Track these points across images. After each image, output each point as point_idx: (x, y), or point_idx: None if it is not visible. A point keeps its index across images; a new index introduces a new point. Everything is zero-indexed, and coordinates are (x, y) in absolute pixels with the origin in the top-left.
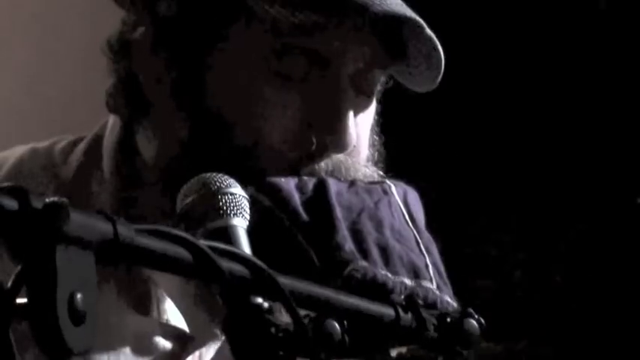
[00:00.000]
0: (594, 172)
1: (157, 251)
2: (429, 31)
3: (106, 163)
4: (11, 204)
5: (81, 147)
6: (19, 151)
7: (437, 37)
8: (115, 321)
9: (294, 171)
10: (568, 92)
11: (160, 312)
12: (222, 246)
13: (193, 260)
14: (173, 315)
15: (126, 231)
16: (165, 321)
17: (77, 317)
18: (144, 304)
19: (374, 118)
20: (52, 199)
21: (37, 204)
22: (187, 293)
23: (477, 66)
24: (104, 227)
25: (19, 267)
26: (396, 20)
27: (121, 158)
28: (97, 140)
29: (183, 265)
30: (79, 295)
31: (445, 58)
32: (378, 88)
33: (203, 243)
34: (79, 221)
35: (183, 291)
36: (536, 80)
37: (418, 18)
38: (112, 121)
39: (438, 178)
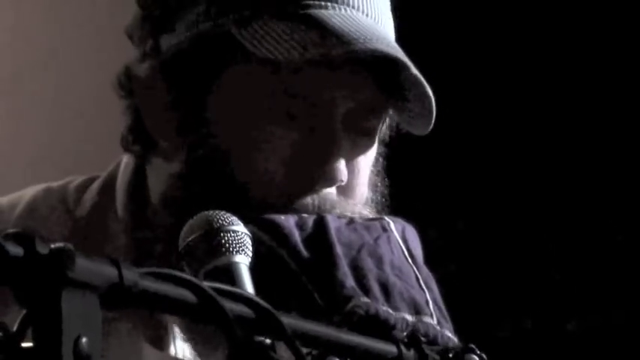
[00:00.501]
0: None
1: (162, 294)
2: (414, 70)
3: (120, 202)
4: (17, 250)
5: (95, 186)
6: (32, 190)
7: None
8: (133, 357)
9: (287, 205)
10: (573, 117)
11: (176, 348)
12: (225, 287)
13: (197, 302)
14: (187, 352)
15: (131, 275)
16: (181, 357)
17: None
18: (161, 339)
19: (379, 161)
20: (57, 244)
21: (43, 250)
22: (193, 332)
23: (478, 93)
24: (109, 271)
25: (24, 311)
26: (387, 61)
27: (132, 197)
28: (111, 179)
29: (187, 308)
30: (84, 339)
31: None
32: (383, 130)
33: (207, 285)
34: (84, 266)
35: (191, 331)
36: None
37: (404, 57)
38: (126, 160)
39: (440, 216)
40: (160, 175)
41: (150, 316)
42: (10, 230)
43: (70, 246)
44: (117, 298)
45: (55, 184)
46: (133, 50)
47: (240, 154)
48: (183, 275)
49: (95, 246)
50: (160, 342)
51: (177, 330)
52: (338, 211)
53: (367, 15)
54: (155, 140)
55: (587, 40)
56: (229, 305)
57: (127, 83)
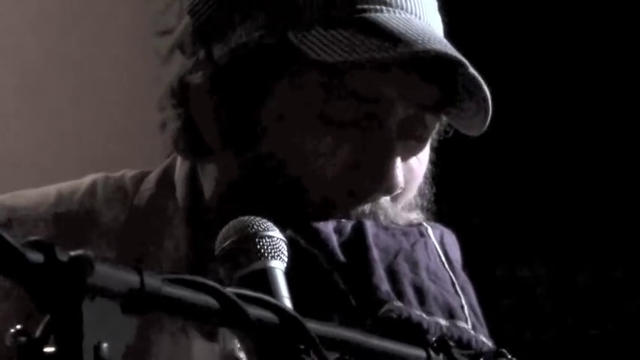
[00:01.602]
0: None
1: (185, 300)
2: (472, 69)
3: (180, 193)
4: (37, 257)
5: (152, 178)
6: (92, 177)
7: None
8: (183, 349)
9: (339, 212)
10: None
11: (225, 342)
12: (250, 293)
13: (221, 308)
14: (236, 346)
15: (153, 281)
16: (230, 350)
17: None
18: (211, 331)
19: (427, 167)
20: (77, 252)
21: (63, 257)
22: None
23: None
24: (130, 278)
25: (46, 317)
26: (439, 59)
27: (189, 193)
28: (169, 172)
29: (211, 314)
30: (105, 345)
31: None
32: (433, 135)
33: (230, 291)
34: (104, 273)
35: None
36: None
37: (461, 57)
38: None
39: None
40: (210, 174)
41: None
42: (31, 238)
43: (89, 253)
44: (138, 305)
45: (112, 174)
46: (151, 62)
47: (296, 164)
48: (206, 281)
49: (153, 234)
50: (210, 334)
51: None
52: (390, 218)
53: (420, 18)
54: (208, 147)
55: (594, 43)
56: (253, 311)
57: (180, 92)
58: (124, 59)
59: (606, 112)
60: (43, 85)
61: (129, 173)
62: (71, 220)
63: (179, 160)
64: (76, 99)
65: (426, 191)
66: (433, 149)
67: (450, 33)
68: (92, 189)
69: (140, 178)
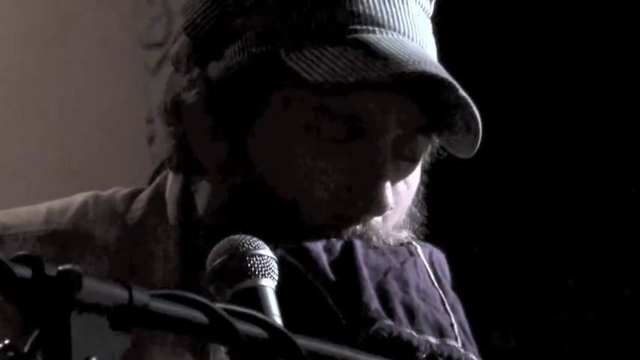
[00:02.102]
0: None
1: (173, 315)
2: (462, 92)
3: (171, 212)
4: (25, 272)
5: (143, 196)
6: (82, 196)
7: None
8: None
9: (330, 233)
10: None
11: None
12: (239, 309)
13: (210, 324)
14: None
15: (141, 296)
16: None
17: None
18: (202, 351)
19: (419, 189)
20: (65, 266)
21: (51, 272)
22: None
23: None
24: (119, 293)
25: (35, 332)
26: (430, 81)
27: (181, 210)
28: (159, 190)
29: (200, 329)
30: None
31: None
32: (425, 157)
33: (219, 306)
34: (92, 288)
35: None
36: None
37: (452, 79)
38: (173, 173)
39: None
40: (203, 191)
41: None
42: (20, 253)
43: (77, 268)
44: (127, 320)
45: (102, 192)
46: (144, 71)
47: (288, 186)
48: (195, 297)
49: (145, 252)
50: (200, 352)
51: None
52: (381, 239)
53: (412, 39)
54: (202, 165)
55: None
56: (243, 327)
57: (174, 110)
58: (112, 72)
59: (605, 143)
60: (32, 97)
61: (120, 192)
62: (62, 239)
63: (170, 178)
64: (65, 112)
65: (417, 213)
66: (425, 171)
67: (444, 42)
68: (83, 208)
69: (131, 197)
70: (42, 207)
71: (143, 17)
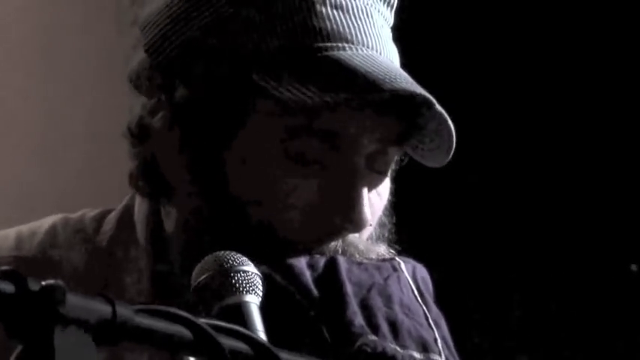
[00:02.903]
0: (586, 240)
1: (157, 331)
2: (439, 107)
3: (140, 232)
4: (8, 287)
5: (112, 216)
6: (51, 219)
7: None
8: None
9: (307, 250)
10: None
11: None
12: (222, 324)
13: (194, 339)
14: None
15: (125, 311)
16: None
17: None
18: None
19: (387, 199)
20: (48, 282)
21: (34, 287)
22: None
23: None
24: (102, 308)
25: (19, 347)
26: (406, 98)
27: (151, 231)
28: (128, 210)
29: (183, 344)
30: None
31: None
32: (392, 166)
33: (203, 321)
34: (76, 303)
35: None
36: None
37: (428, 95)
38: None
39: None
40: (172, 212)
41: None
42: (2, 268)
43: (60, 283)
44: (110, 335)
45: (71, 215)
46: (123, 83)
47: (264, 205)
48: (179, 312)
49: (117, 275)
50: None
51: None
52: (364, 255)
53: (381, 53)
54: (169, 186)
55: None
56: (226, 342)
57: (139, 133)
58: (95, 90)
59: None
60: (14, 116)
61: (89, 214)
62: (31, 264)
63: (138, 199)
64: (48, 129)
65: (387, 222)
66: (392, 180)
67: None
68: (52, 231)
69: (100, 219)
70: (11, 232)
71: (126, 36)
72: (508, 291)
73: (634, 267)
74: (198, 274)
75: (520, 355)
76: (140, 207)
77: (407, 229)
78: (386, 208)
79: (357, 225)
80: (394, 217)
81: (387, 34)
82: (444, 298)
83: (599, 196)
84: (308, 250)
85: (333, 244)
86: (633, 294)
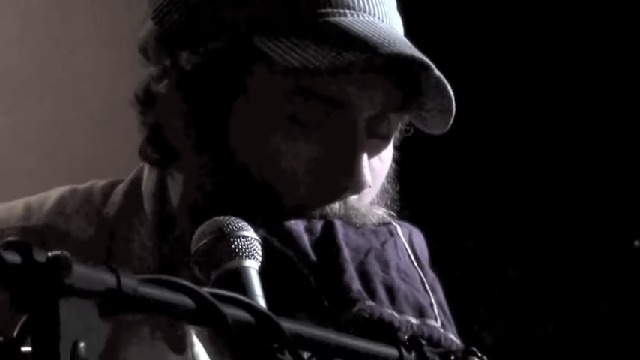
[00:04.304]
0: (590, 216)
1: (161, 300)
2: (437, 71)
3: (147, 204)
4: (14, 258)
5: (120, 189)
6: (59, 190)
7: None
8: (153, 357)
9: (310, 212)
10: (565, 135)
11: (193, 354)
12: (224, 292)
13: (196, 307)
14: (204, 357)
15: (129, 281)
16: None
17: None
18: (179, 345)
19: (391, 166)
20: (54, 252)
21: (40, 258)
22: (212, 342)
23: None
24: (107, 278)
25: (24, 317)
26: (404, 61)
27: (157, 202)
28: (136, 183)
29: (186, 313)
30: (82, 344)
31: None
32: (396, 134)
33: (205, 290)
34: (81, 273)
35: (209, 340)
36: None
37: (426, 59)
38: (149, 166)
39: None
40: (178, 182)
41: (169, 322)
42: (9, 239)
43: (66, 254)
44: (115, 305)
45: (80, 186)
46: (135, 60)
47: (266, 167)
48: (182, 281)
49: (123, 246)
50: (178, 348)
51: (193, 337)
52: (362, 219)
53: (382, 20)
54: (176, 153)
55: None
56: (228, 310)
57: (146, 100)
58: (106, 63)
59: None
60: (26, 90)
61: (97, 185)
62: (39, 234)
63: (146, 171)
64: (59, 103)
65: (389, 189)
66: (396, 148)
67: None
68: (60, 202)
69: (108, 190)
70: (19, 203)
71: (136, 10)
72: (506, 260)
73: (637, 243)
74: (198, 239)
75: (516, 321)
76: (148, 179)
77: (405, 194)
78: (389, 176)
79: (358, 185)
80: (398, 186)
81: (391, 3)
82: (440, 262)
83: (603, 173)
84: (310, 212)
85: (335, 206)
86: (636, 269)
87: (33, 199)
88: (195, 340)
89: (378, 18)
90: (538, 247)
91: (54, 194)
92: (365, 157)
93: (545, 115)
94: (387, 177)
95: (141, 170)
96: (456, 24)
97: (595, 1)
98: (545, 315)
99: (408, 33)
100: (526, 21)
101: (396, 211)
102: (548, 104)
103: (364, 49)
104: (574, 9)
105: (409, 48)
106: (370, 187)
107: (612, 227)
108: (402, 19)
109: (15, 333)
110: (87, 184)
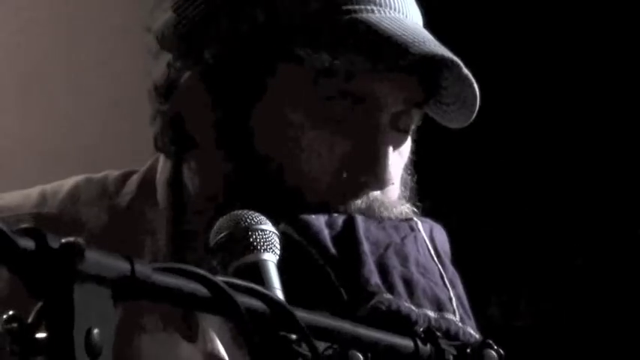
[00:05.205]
0: (594, 204)
1: (175, 288)
2: (465, 69)
3: (161, 195)
4: (29, 244)
5: (134, 179)
6: (74, 179)
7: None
8: (170, 351)
9: (333, 208)
10: (567, 128)
11: (205, 342)
12: (239, 282)
13: (211, 296)
14: (217, 346)
15: (143, 269)
16: (210, 350)
17: (94, 351)
18: (192, 333)
19: (408, 157)
20: (68, 239)
21: (54, 244)
22: (225, 330)
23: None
24: (121, 265)
25: (39, 303)
26: (434, 60)
27: (172, 192)
28: (150, 173)
29: (200, 302)
30: (95, 330)
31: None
32: (413, 126)
33: (220, 279)
34: (95, 260)
35: (222, 328)
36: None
37: (455, 57)
38: (164, 156)
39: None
40: (196, 174)
41: (183, 314)
42: (23, 225)
43: (80, 240)
44: (129, 291)
45: (94, 175)
46: (144, 49)
47: (290, 163)
48: (196, 270)
49: (135, 236)
50: (190, 336)
51: (205, 325)
52: (386, 212)
53: (406, 16)
54: (193, 142)
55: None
56: (243, 300)
57: (167, 91)
58: (116, 54)
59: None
60: (37, 81)
61: (112, 174)
62: (53, 221)
63: (161, 162)
64: (70, 94)
65: (409, 182)
66: (413, 140)
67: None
68: (74, 191)
69: (122, 180)
70: (34, 190)
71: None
72: (522, 254)
73: None
74: (216, 233)
75: (532, 317)
76: (163, 169)
77: (427, 190)
78: (407, 167)
79: (381, 182)
80: (415, 177)
81: (412, 1)
82: (462, 258)
83: (608, 162)
84: (332, 208)
85: (357, 201)
86: None
87: (48, 186)
88: (209, 328)
89: (403, 14)
90: (540, 240)
91: (69, 182)
92: (389, 153)
93: (547, 114)
94: (404, 168)
95: (156, 160)
96: (469, 18)
97: (595, 1)
98: (555, 306)
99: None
100: (540, 14)
101: (417, 205)
102: (547, 102)
103: (396, 50)
104: (576, 8)
105: (438, 47)
106: (393, 183)
107: (617, 216)
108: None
109: (30, 319)
110: (102, 174)
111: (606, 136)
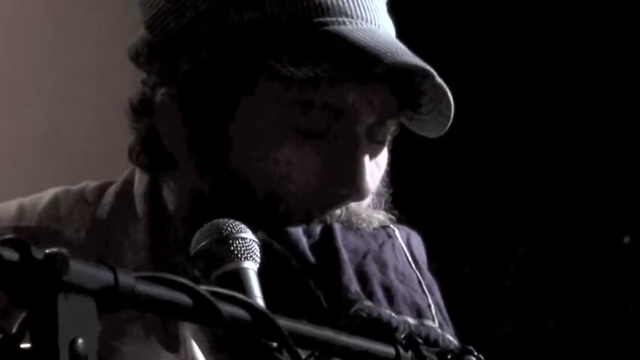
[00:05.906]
0: (580, 212)
1: (158, 297)
2: (439, 79)
3: (139, 205)
4: (12, 255)
5: (112, 189)
6: (52, 190)
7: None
8: (148, 356)
9: (312, 219)
10: (558, 132)
11: (186, 351)
12: (222, 291)
13: (194, 305)
14: (197, 356)
15: (126, 278)
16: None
17: None
18: (173, 343)
19: (384, 169)
20: (52, 250)
21: (38, 255)
22: (202, 339)
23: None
24: (105, 275)
25: (22, 313)
26: (407, 70)
27: (149, 204)
28: (128, 184)
29: (184, 311)
30: (80, 341)
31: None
32: (389, 137)
33: (203, 288)
34: (79, 270)
35: (201, 337)
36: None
37: (429, 67)
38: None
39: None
40: (174, 186)
41: (162, 322)
42: (7, 236)
43: (64, 251)
44: (113, 302)
45: (72, 187)
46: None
47: (267, 177)
48: (179, 279)
49: (115, 246)
50: (171, 345)
51: (187, 335)
52: (363, 223)
53: (379, 27)
54: (170, 157)
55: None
56: (226, 308)
57: (141, 107)
58: (101, 64)
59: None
60: (21, 86)
61: (90, 185)
62: (32, 234)
63: (138, 172)
64: (54, 102)
65: (384, 192)
66: (390, 151)
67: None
68: (53, 202)
69: (101, 191)
70: (13, 203)
71: (132, 10)
72: (501, 259)
73: (627, 239)
74: (197, 242)
75: (512, 321)
76: (140, 181)
77: (402, 198)
78: (383, 178)
79: (360, 193)
80: (391, 187)
81: (383, 8)
82: (437, 264)
83: (594, 170)
84: (311, 219)
85: (336, 212)
86: (626, 265)
87: (26, 200)
88: (190, 337)
89: (375, 25)
90: (528, 246)
91: (47, 195)
92: (367, 164)
93: (537, 116)
94: (381, 180)
95: (133, 171)
96: (448, 24)
97: (595, 1)
98: (545, 312)
99: (400, 34)
100: (522, 20)
101: (394, 214)
102: (538, 104)
103: (369, 60)
104: (572, 9)
105: (411, 57)
106: (372, 194)
107: (602, 223)
108: (393, 19)
109: (14, 330)
110: (80, 185)
111: (584, 146)
